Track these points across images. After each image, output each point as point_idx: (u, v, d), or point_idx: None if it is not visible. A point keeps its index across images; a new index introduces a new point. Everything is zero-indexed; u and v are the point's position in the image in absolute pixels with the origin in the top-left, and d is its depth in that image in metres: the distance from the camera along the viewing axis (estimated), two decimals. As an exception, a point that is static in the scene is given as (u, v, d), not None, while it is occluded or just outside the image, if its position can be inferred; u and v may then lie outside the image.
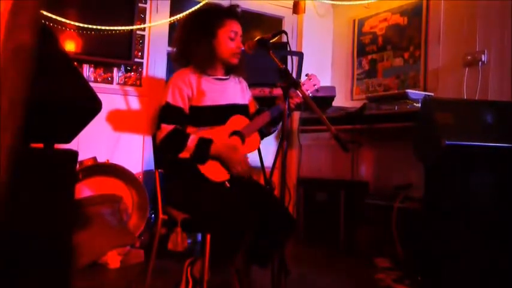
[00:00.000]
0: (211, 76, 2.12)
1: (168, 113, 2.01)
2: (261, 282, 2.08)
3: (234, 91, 2.18)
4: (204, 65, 2.08)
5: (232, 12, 2.12)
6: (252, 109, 2.26)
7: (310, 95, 2.14)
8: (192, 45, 2.07)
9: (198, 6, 3.21)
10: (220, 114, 2.05)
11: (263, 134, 2.24)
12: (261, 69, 2.66)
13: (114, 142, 3.37)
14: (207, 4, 3.16)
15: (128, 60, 3.39)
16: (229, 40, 2.08)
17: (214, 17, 2.09)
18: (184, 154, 1.95)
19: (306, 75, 2.20)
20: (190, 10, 3.13)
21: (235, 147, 2.01)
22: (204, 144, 1.95)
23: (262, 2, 4.10)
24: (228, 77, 2.18)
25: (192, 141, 1.94)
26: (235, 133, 2.06)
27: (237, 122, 2.08)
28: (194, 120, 2.03)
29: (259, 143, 2.20)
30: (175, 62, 2.21)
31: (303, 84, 2.13)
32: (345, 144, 1.60)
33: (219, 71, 2.15)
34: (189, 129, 2.02)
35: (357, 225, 3.29)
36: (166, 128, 1.97)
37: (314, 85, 2.17)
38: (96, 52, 3.27)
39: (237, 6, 2.16)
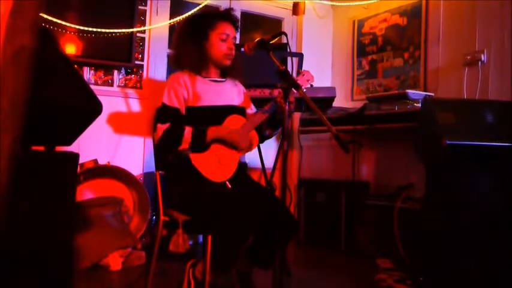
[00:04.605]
0: (207, 78, 2.14)
1: (164, 113, 2.03)
2: (263, 283, 2.08)
3: (231, 93, 2.19)
4: (196, 66, 2.11)
5: (225, 15, 2.15)
6: (250, 110, 2.27)
7: (305, 90, 2.15)
8: (185, 47, 2.11)
9: (197, 8, 3.24)
10: (217, 114, 2.07)
11: (262, 137, 2.25)
12: (261, 71, 2.66)
13: (114, 144, 3.37)
14: (204, 8, 3.18)
15: (128, 63, 3.40)
16: (221, 42, 2.10)
17: (207, 20, 2.13)
18: (183, 146, 1.97)
19: (299, 72, 2.22)
20: (189, 12, 3.15)
21: (228, 127, 2.04)
22: (200, 131, 1.98)
23: (262, 4, 4.10)
24: (224, 79, 2.20)
25: (188, 132, 1.97)
26: None
27: (234, 121, 2.09)
28: (190, 120, 2.04)
29: (258, 140, 2.20)
30: (172, 65, 2.23)
31: (297, 80, 2.14)
32: (345, 144, 1.60)
33: (214, 73, 2.18)
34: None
35: (358, 225, 3.29)
36: (162, 127, 1.99)
37: (308, 80, 2.20)
38: (96, 55, 3.28)
39: (232, 10, 2.18)
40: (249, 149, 2.09)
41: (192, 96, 2.06)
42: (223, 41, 2.10)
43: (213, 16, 2.14)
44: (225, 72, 2.21)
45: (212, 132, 2.00)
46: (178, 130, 1.98)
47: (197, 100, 2.06)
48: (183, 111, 2.05)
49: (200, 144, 1.98)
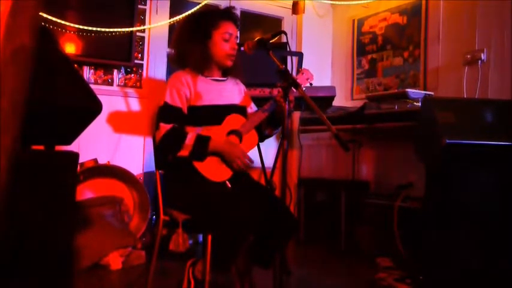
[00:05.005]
0: (209, 77, 2.14)
1: (166, 112, 2.02)
2: (263, 282, 2.08)
3: (232, 92, 2.19)
4: (199, 66, 2.10)
5: (227, 14, 2.13)
6: (250, 109, 2.27)
7: (304, 88, 2.15)
8: (188, 46, 2.10)
9: (197, 7, 3.23)
10: (218, 114, 2.06)
11: (263, 136, 2.24)
12: (260, 70, 2.66)
13: (114, 144, 3.37)
14: (204, 6, 3.17)
15: (128, 62, 3.39)
16: (224, 42, 2.09)
17: (209, 18, 2.11)
18: (183, 152, 1.95)
19: (299, 70, 2.21)
20: (189, 12, 3.14)
21: (233, 143, 2.02)
22: (202, 141, 1.96)
23: (261, 3, 4.10)
24: (225, 78, 2.20)
25: (190, 139, 1.95)
26: (232, 132, 2.06)
27: (234, 121, 2.09)
28: (192, 120, 2.04)
29: (257, 140, 2.20)
30: (173, 64, 2.22)
31: (296, 79, 2.13)
32: (345, 143, 1.60)
33: (216, 73, 2.17)
34: (188, 129, 2.03)
35: (358, 224, 3.29)
36: (165, 127, 1.98)
37: (307, 79, 2.19)
38: (96, 54, 3.27)
39: (233, 8, 2.16)
40: (243, 170, 2.03)
41: (194, 95, 2.05)
42: (226, 41, 2.09)
43: (215, 15, 2.12)
44: (226, 71, 2.20)
45: (214, 144, 1.98)
46: (181, 135, 1.97)
47: (199, 99, 2.05)
48: (185, 110, 2.05)
49: (200, 154, 1.97)
